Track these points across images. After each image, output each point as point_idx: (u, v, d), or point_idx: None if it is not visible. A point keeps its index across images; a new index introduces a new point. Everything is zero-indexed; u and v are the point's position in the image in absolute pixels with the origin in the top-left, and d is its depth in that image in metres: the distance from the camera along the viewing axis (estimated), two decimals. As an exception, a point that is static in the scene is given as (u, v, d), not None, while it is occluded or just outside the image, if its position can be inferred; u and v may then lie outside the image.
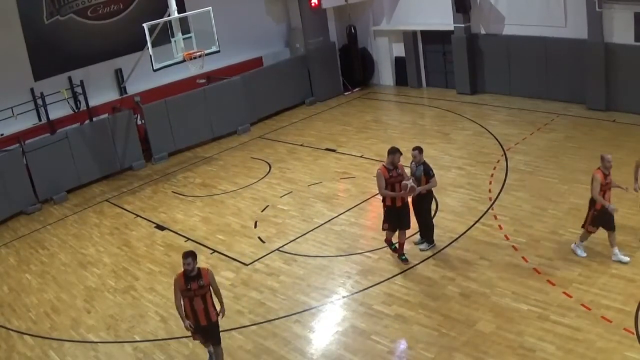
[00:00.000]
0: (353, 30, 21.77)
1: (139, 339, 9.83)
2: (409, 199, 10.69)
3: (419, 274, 10.36)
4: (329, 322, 9.68)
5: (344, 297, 10.17)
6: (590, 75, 16.62)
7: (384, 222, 10.74)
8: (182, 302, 7.97)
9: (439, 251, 10.97)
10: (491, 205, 12.43)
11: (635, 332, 8.12)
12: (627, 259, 9.76)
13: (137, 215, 14.69)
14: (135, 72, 18.27)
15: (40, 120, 16.97)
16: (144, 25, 14.94)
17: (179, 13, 15.87)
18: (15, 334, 10.51)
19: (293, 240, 12.30)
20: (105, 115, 17.75)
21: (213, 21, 15.97)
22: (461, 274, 10.19)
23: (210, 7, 15.97)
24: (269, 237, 12.58)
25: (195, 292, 7.84)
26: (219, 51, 16.46)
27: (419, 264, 10.67)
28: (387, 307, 9.66)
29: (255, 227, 13.17)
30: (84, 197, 16.41)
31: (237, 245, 12.50)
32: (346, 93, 22.41)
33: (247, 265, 11.63)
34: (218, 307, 8.21)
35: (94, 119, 17.54)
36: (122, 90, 18.74)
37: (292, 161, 16.69)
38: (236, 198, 14.84)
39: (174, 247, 12.80)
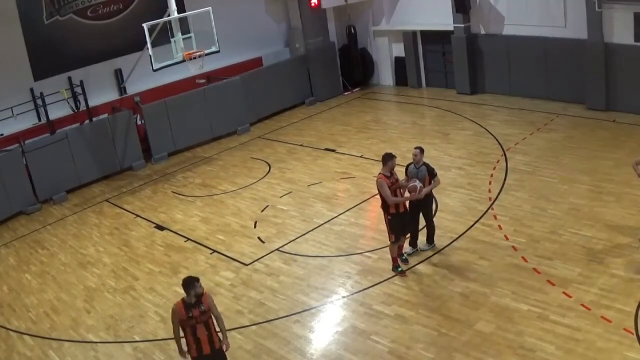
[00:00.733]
0: (353, 30, 21.77)
1: (138, 339, 9.83)
2: (407, 203, 10.52)
3: (419, 274, 10.36)
4: (328, 322, 9.68)
5: (343, 297, 10.17)
6: (590, 76, 16.61)
7: (390, 233, 10.31)
8: (180, 334, 7.50)
9: (439, 251, 10.97)
10: (491, 205, 12.42)
11: (635, 332, 8.11)
12: None
13: (137, 215, 14.69)
14: (135, 72, 18.28)
15: (40, 120, 16.97)
16: (144, 25, 14.93)
17: (178, 13, 15.87)
18: (15, 334, 10.51)
19: (293, 240, 12.30)
20: (105, 116, 17.75)
21: (213, 21, 15.96)
22: (461, 274, 10.19)
23: (210, 7, 15.96)
24: (269, 237, 12.58)
25: (198, 319, 7.32)
26: (218, 51, 16.46)
27: (418, 264, 10.67)
28: (387, 307, 9.66)
29: (255, 227, 13.17)
30: (83, 197, 16.41)
31: (237, 245, 12.50)
32: (346, 93, 22.41)
33: (246, 265, 11.63)
34: (221, 336, 7.64)
35: (94, 119, 17.54)
36: (122, 90, 18.74)
37: (292, 161, 16.69)
38: (236, 198, 14.84)
39: (173, 247, 12.80)
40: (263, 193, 14.88)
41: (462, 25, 19.26)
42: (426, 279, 10.24)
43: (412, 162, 10.64)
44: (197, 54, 15.79)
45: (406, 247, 10.99)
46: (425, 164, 10.60)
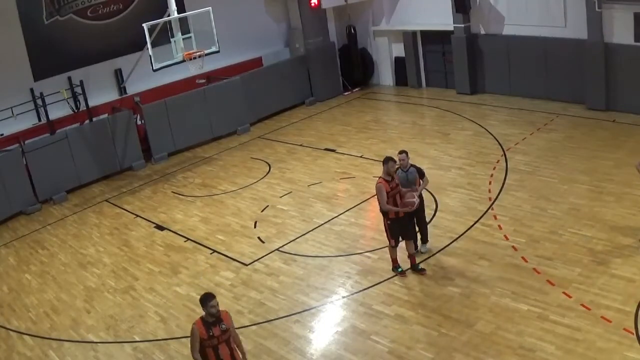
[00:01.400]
0: (353, 31, 21.76)
1: (138, 339, 9.83)
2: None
3: (418, 274, 10.34)
4: (328, 322, 9.68)
5: (343, 297, 10.17)
6: (590, 76, 16.61)
7: (389, 238, 10.25)
8: (199, 355, 7.06)
9: (439, 251, 10.96)
10: (491, 206, 12.42)
11: (635, 332, 8.11)
12: None
13: (137, 216, 14.69)
14: (135, 72, 18.29)
15: (40, 120, 16.97)
16: (144, 25, 14.93)
17: (178, 13, 15.87)
18: (15, 334, 10.51)
19: (293, 241, 12.30)
20: (105, 116, 17.76)
21: (213, 21, 15.96)
22: (461, 274, 10.18)
23: (210, 7, 15.95)
24: (269, 237, 12.58)
25: (219, 338, 6.98)
26: (218, 51, 16.45)
27: (418, 264, 10.64)
28: (387, 307, 9.66)
29: (255, 227, 13.17)
30: (83, 197, 16.41)
31: (237, 245, 12.50)
32: (346, 93, 22.40)
33: (246, 265, 11.63)
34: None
35: (94, 119, 17.54)
36: (122, 90, 18.74)
37: (292, 161, 16.69)
38: (236, 198, 14.84)
39: (173, 247, 12.81)
40: (263, 193, 14.88)
41: (462, 25, 19.26)
42: (426, 279, 10.24)
43: (398, 167, 10.45)
44: (197, 54, 15.79)
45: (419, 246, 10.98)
46: (412, 165, 10.59)
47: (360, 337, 9.05)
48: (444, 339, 8.67)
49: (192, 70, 16.29)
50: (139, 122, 18.31)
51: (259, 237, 12.65)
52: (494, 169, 14.17)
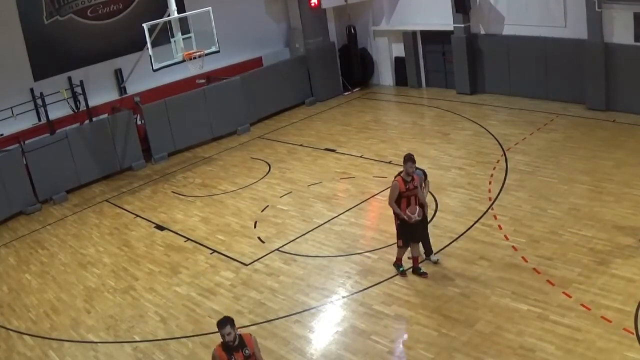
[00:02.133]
0: (353, 31, 21.77)
1: (138, 339, 9.82)
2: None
3: (419, 277, 10.34)
4: (328, 322, 9.68)
5: (343, 297, 10.17)
6: (590, 76, 16.61)
7: (398, 238, 10.21)
8: None
9: (439, 251, 10.95)
10: (491, 205, 12.42)
11: (635, 332, 8.11)
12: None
13: (137, 216, 14.69)
14: (135, 72, 18.29)
15: (40, 120, 16.97)
16: (144, 25, 14.92)
17: (178, 13, 15.86)
18: (15, 334, 10.51)
19: (293, 241, 12.30)
20: (105, 116, 17.75)
21: (213, 21, 15.96)
22: (461, 274, 10.18)
23: (210, 7, 15.95)
24: (269, 237, 12.58)
25: None
26: (218, 51, 16.44)
27: (420, 267, 10.61)
28: (387, 307, 9.66)
29: (255, 227, 13.17)
30: (83, 197, 16.41)
31: (237, 245, 12.50)
32: (346, 93, 22.40)
33: (246, 265, 11.63)
34: None
35: (94, 119, 17.53)
36: (122, 90, 18.74)
37: (292, 161, 16.69)
38: (236, 198, 14.84)
39: (173, 247, 12.81)
40: (263, 193, 14.88)
41: (462, 25, 19.25)
42: (426, 279, 10.23)
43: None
44: (197, 54, 15.78)
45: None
46: (417, 168, 10.29)
47: (360, 337, 9.05)
48: (444, 339, 8.67)
49: (192, 70, 16.28)
50: (139, 122, 18.30)
51: (259, 237, 12.65)
52: (494, 169, 14.17)
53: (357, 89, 22.52)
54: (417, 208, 9.85)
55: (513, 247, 10.74)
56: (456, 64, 19.96)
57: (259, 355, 6.74)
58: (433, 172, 13.56)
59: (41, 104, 16.56)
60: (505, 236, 11.14)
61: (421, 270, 10.35)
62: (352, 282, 10.54)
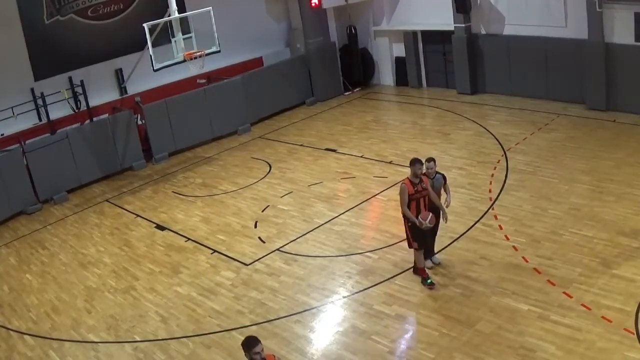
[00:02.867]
0: (353, 31, 21.77)
1: (139, 339, 9.83)
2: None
3: (419, 274, 10.34)
4: (329, 322, 9.68)
5: (344, 297, 10.17)
6: (591, 76, 16.61)
7: (413, 241, 9.87)
8: None
9: (439, 251, 10.95)
10: (491, 205, 12.42)
11: (635, 332, 8.11)
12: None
13: (138, 215, 14.70)
14: (135, 72, 18.29)
15: (40, 120, 16.97)
16: (144, 25, 14.92)
17: (179, 13, 15.86)
18: (16, 334, 10.51)
19: (293, 241, 12.30)
20: (106, 115, 17.76)
21: (213, 21, 15.96)
22: (461, 274, 10.18)
23: (211, 7, 15.96)
24: (270, 237, 12.58)
25: None
26: (219, 51, 16.45)
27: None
28: (388, 307, 9.66)
29: (256, 227, 13.17)
30: (84, 197, 16.41)
31: (238, 245, 12.50)
32: (346, 93, 22.40)
33: (247, 265, 11.63)
34: None
35: (94, 119, 17.55)
36: (123, 90, 18.74)
37: (293, 161, 16.69)
38: (236, 198, 14.84)
39: (174, 247, 12.81)
40: (264, 193, 14.88)
41: (463, 25, 19.25)
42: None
43: (424, 173, 9.97)
44: (198, 54, 15.79)
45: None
46: (437, 172, 10.26)
47: (360, 337, 9.05)
48: (445, 339, 8.67)
49: (192, 70, 16.29)
50: (139, 122, 18.31)
51: (259, 237, 12.65)
52: (495, 169, 14.17)
53: (357, 89, 22.52)
54: (430, 214, 9.63)
55: (514, 247, 10.74)
56: (457, 64, 19.96)
57: None
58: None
59: (42, 103, 16.57)
60: (505, 236, 11.14)
61: (429, 281, 10.03)
62: (353, 282, 10.54)
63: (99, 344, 9.87)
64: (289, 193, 14.63)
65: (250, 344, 6.13)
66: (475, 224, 11.79)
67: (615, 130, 15.40)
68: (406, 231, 9.99)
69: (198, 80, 19.56)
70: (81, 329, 10.36)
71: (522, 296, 9.31)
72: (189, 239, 13.09)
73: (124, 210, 15.13)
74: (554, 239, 10.79)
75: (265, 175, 15.96)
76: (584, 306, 8.83)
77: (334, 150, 16.97)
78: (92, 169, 17.09)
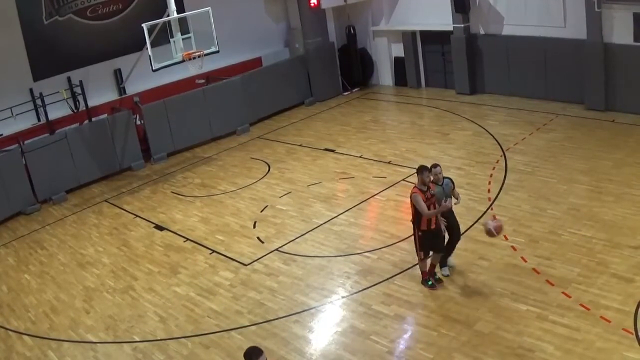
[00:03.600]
0: (352, 31, 21.77)
1: (138, 339, 9.82)
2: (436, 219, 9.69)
3: (418, 275, 10.31)
4: (328, 322, 9.68)
5: (343, 297, 10.16)
6: (590, 76, 16.61)
7: (419, 250, 9.74)
8: None
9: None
10: (490, 206, 12.42)
11: (634, 332, 8.11)
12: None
13: (136, 216, 14.69)
14: (134, 72, 18.29)
15: (39, 120, 16.96)
16: (143, 25, 14.92)
17: (178, 13, 15.85)
18: (14, 334, 10.51)
19: (292, 241, 12.29)
20: (105, 116, 17.75)
21: (212, 21, 15.96)
22: (460, 274, 10.18)
23: (210, 8, 15.95)
24: (268, 238, 12.57)
25: None
26: (218, 51, 16.45)
27: (417, 264, 10.63)
28: (386, 307, 9.66)
29: (254, 227, 13.17)
30: (83, 198, 16.40)
31: (236, 245, 12.50)
32: (345, 93, 22.40)
33: (246, 265, 11.63)
34: None
35: (93, 119, 17.53)
36: (122, 90, 18.73)
37: (291, 161, 16.68)
38: (235, 198, 14.84)
39: (173, 248, 12.80)
40: (262, 193, 14.88)
41: (462, 25, 19.25)
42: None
43: (432, 181, 9.75)
44: (197, 54, 15.79)
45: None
46: (445, 177, 10.08)
47: (359, 337, 9.05)
48: (444, 339, 8.67)
49: (191, 70, 16.28)
50: (138, 122, 18.29)
51: (258, 237, 12.65)
52: (494, 169, 14.17)
53: (356, 89, 22.51)
54: (442, 219, 9.60)
55: (512, 247, 10.74)
56: (455, 64, 19.95)
57: None
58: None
59: (40, 104, 16.56)
60: (504, 236, 11.11)
61: (436, 276, 10.05)
62: (352, 282, 10.54)
63: (98, 344, 9.87)
64: (287, 193, 14.63)
65: (253, 354, 6.09)
66: (474, 224, 11.78)
67: (614, 130, 15.41)
68: (415, 240, 9.79)
69: (197, 81, 19.55)
70: (80, 329, 10.36)
71: (520, 296, 9.31)
72: (187, 239, 13.09)
73: (122, 211, 15.12)
74: (553, 239, 10.79)
75: (264, 176, 15.96)
76: (583, 306, 8.83)
77: (332, 151, 16.97)
78: (91, 169, 17.08)
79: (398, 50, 22.00)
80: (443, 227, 9.71)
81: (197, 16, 16.01)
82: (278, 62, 21.56)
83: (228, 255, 12.13)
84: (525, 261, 10.23)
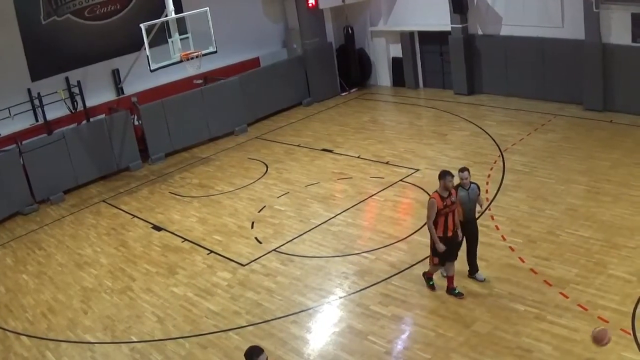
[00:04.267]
0: (350, 31, 21.77)
1: (135, 340, 9.81)
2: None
3: (415, 275, 10.34)
4: (325, 322, 9.68)
5: (340, 297, 10.16)
6: (588, 76, 16.62)
7: (433, 256, 9.43)
8: None
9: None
10: (488, 206, 12.42)
11: (631, 333, 8.12)
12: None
13: (134, 216, 14.68)
14: (132, 72, 18.28)
15: (37, 120, 16.94)
16: (141, 25, 14.89)
17: (176, 13, 15.83)
18: (12, 334, 10.50)
19: (290, 241, 12.29)
20: (102, 116, 17.73)
21: (210, 22, 15.95)
22: (458, 274, 10.14)
23: (208, 8, 15.94)
24: (266, 238, 12.57)
25: None
26: (216, 52, 16.42)
27: (416, 264, 10.65)
28: (384, 307, 9.66)
29: (252, 227, 13.16)
30: (80, 198, 16.38)
31: (234, 245, 12.49)
32: (343, 94, 22.40)
33: (244, 265, 11.62)
34: None
35: (91, 119, 17.52)
36: (119, 90, 18.72)
37: (289, 162, 16.68)
38: (233, 198, 14.83)
39: (170, 248, 12.79)
40: (260, 193, 14.87)
41: (460, 25, 19.26)
42: (423, 279, 10.22)
43: (458, 184, 9.45)
44: (195, 54, 15.76)
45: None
46: (471, 182, 9.66)
47: (357, 338, 9.05)
48: (441, 340, 8.68)
49: (189, 70, 16.26)
50: (136, 123, 18.25)
51: (256, 238, 12.64)
52: (491, 169, 14.18)
53: (354, 90, 22.51)
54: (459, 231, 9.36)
55: (510, 247, 10.74)
56: (454, 64, 19.96)
57: None
58: (430, 173, 13.58)
59: (38, 104, 16.55)
60: (502, 237, 11.14)
61: (456, 291, 9.59)
62: (349, 282, 10.54)
63: (96, 344, 9.86)
64: (285, 193, 14.62)
65: (254, 353, 6.04)
66: (472, 224, 11.77)
67: (612, 130, 15.42)
68: (431, 245, 9.41)
69: (195, 81, 19.53)
70: (77, 329, 10.35)
71: (518, 296, 9.32)
72: (185, 239, 13.08)
73: (120, 211, 15.11)
74: (551, 239, 10.80)
75: (262, 176, 15.95)
76: (581, 306, 8.83)
77: (330, 151, 16.97)
78: (89, 169, 17.07)
79: (396, 50, 22.00)
80: (460, 236, 9.41)
81: (195, 16, 15.99)
82: (276, 62, 21.55)
83: (226, 255, 12.12)
84: (523, 261, 10.24)
